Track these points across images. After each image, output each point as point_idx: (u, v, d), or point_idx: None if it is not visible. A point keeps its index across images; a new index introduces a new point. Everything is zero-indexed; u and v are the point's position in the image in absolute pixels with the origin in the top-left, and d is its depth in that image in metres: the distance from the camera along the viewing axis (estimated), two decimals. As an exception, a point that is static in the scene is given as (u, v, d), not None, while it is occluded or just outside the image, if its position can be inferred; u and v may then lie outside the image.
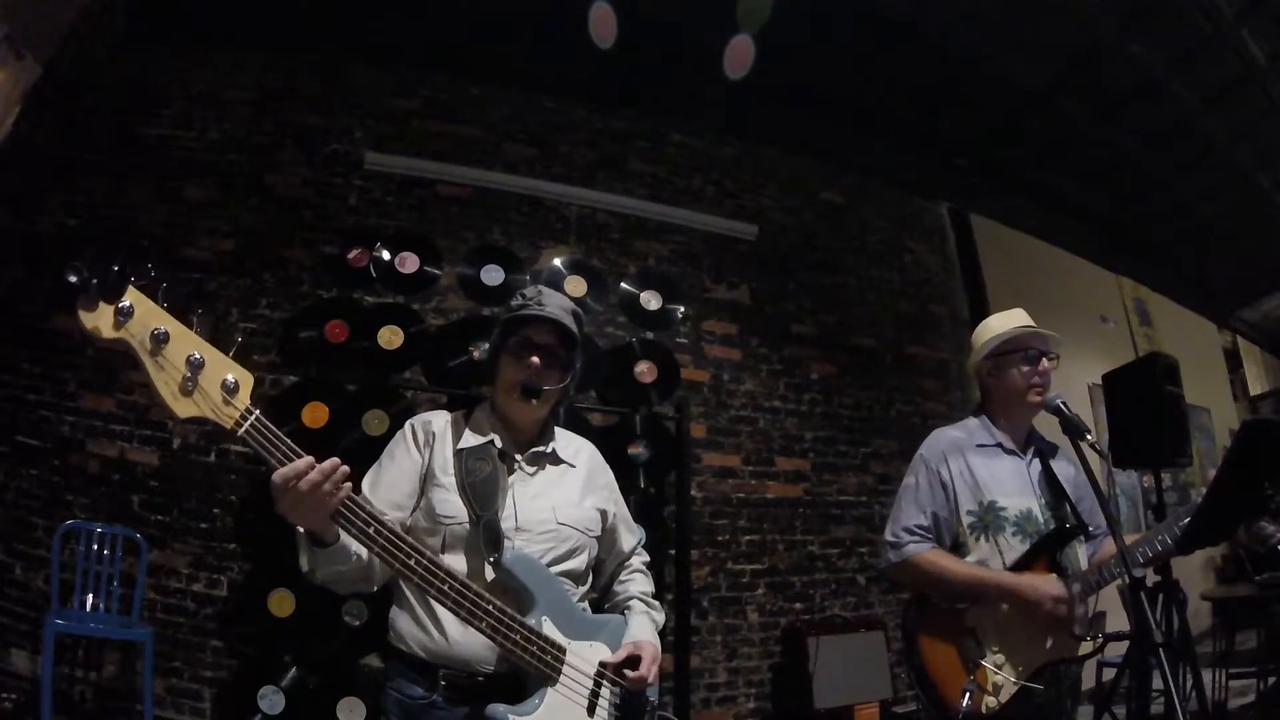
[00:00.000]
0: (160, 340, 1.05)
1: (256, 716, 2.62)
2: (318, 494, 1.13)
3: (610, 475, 1.65)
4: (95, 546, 2.96)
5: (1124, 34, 3.67)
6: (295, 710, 2.64)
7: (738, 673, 3.89)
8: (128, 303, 1.02)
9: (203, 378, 1.07)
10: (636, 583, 1.63)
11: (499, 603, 1.29)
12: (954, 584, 1.80)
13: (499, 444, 1.48)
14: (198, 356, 1.07)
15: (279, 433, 1.13)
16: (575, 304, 1.60)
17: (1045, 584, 1.72)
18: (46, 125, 3.67)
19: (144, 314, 1.04)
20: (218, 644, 3.10)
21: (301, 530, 1.23)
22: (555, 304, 1.51)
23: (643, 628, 1.51)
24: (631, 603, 1.58)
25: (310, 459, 1.14)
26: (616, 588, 1.63)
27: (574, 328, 1.50)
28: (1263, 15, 3.55)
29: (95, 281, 0.99)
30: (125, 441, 3.27)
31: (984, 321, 2.07)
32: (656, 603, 1.62)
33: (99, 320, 1.01)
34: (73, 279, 0.98)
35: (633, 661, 1.41)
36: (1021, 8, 3.57)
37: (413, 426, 1.51)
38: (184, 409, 1.07)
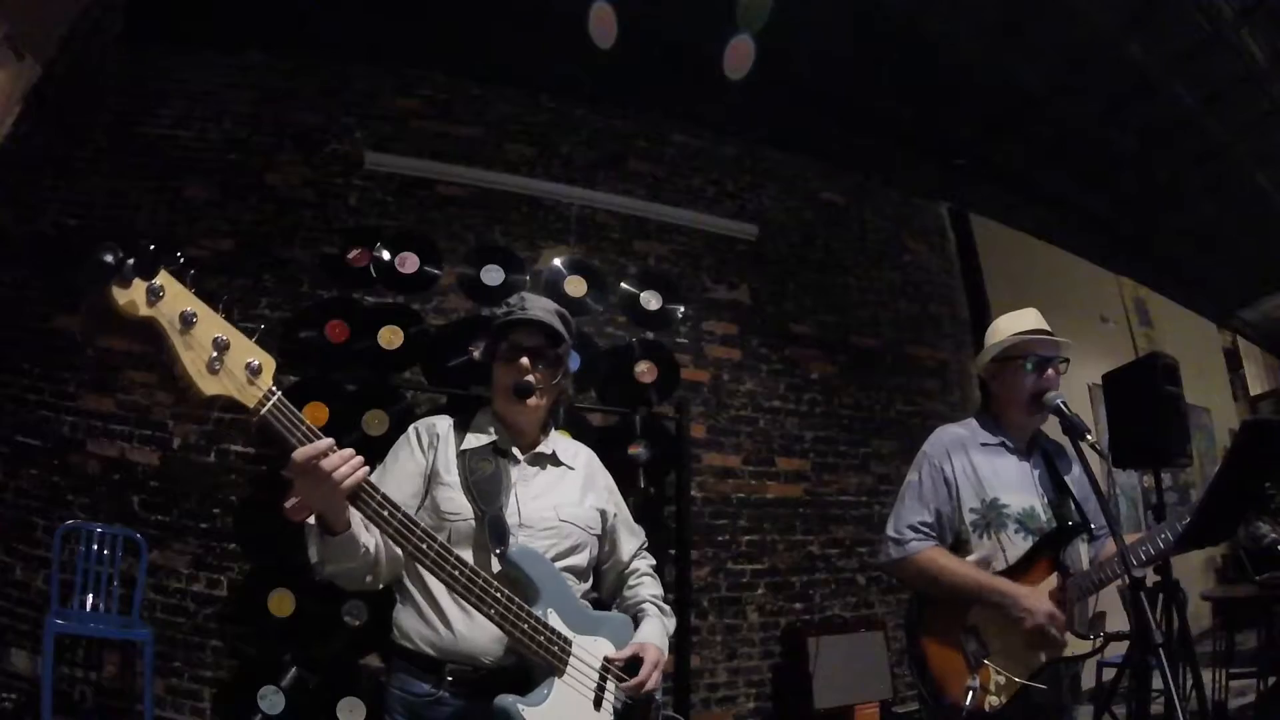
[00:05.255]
0: (189, 321, 1.08)
1: (256, 716, 2.62)
2: (337, 474, 1.15)
3: (609, 478, 1.68)
4: (95, 546, 2.96)
5: (1124, 34, 3.67)
6: (295, 710, 2.64)
7: (738, 673, 3.89)
8: (159, 283, 1.05)
9: (228, 358, 1.11)
10: (647, 586, 1.65)
11: (507, 591, 1.31)
12: (952, 584, 1.80)
13: (500, 445, 1.52)
14: (224, 339, 1.10)
15: (300, 414, 1.16)
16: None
17: (1040, 600, 1.71)
18: (46, 125, 3.67)
19: (174, 296, 1.07)
20: (218, 644, 3.10)
21: (312, 521, 1.25)
22: (538, 306, 1.55)
23: (652, 631, 1.53)
24: (644, 606, 1.60)
25: (331, 440, 1.16)
26: (627, 592, 1.65)
27: (558, 326, 1.53)
28: (1263, 15, 3.55)
29: (131, 261, 1.01)
30: (125, 441, 3.27)
31: (994, 322, 2.04)
32: (668, 607, 1.64)
33: (133, 296, 1.03)
34: (108, 258, 1.00)
35: (636, 662, 1.43)
36: (1021, 8, 3.57)
37: (417, 429, 1.55)
38: (210, 386, 1.09)
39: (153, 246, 1.03)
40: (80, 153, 3.65)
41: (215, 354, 1.09)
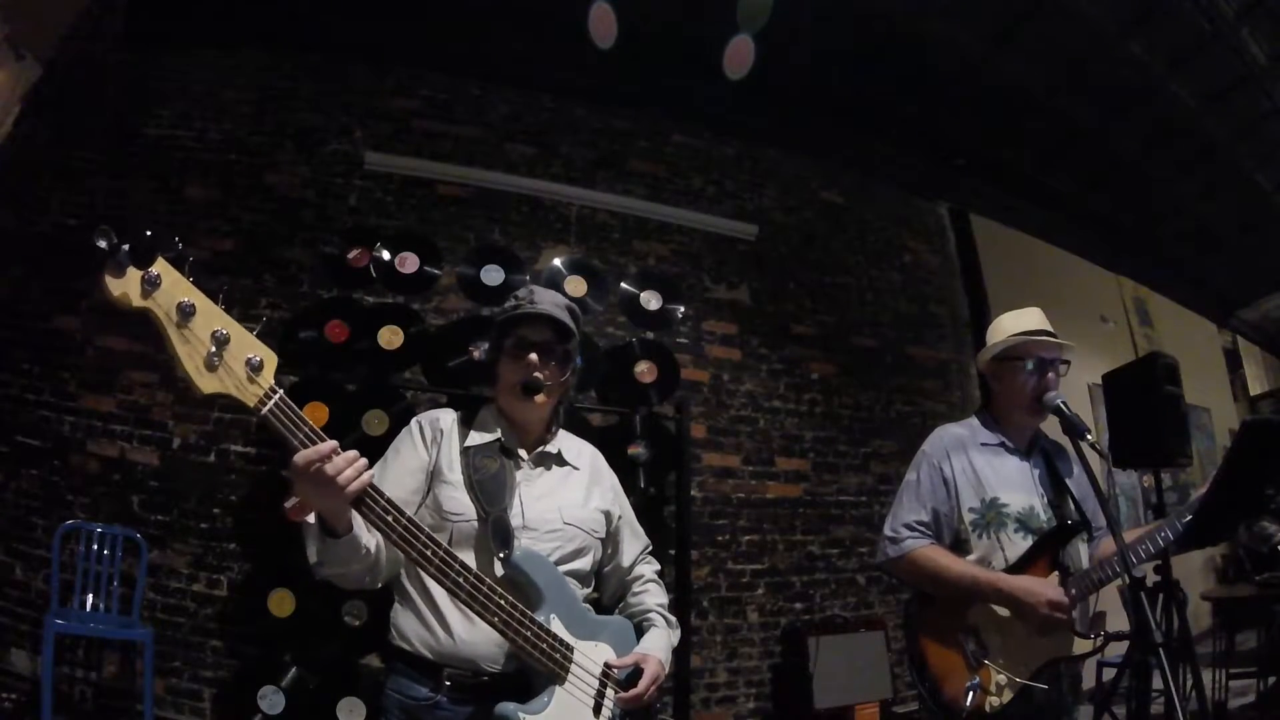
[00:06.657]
0: (187, 313, 1.01)
1: (256, 716, 2.62)
2: (341, 479, 1.11)
3: (614, 478, 1.65)
4: (95, 546, 2.96)
5: (1124, 34, 3.67)
6: (295, 710, 2.64)
7: (738, 673, 3.88)
8: (155, 272, 0.99)
9: (227, 354, 1.04)
10: (652, 594, 1.61)
11: (511, 598, 1.28)
12: (950, 582, 1.80)
13: (506, 443, 1.48)
14: (223, 332, 1.04)
15: (302, 414, 1.11)
16: (574, 302, 1.59)
17: (1042, 587, 1.70)
18: (46, 125, 3.67)
19: (171, 285, 1.00)
20: (218, 644, 3.10)
21: (312, 521, 1.21)
22: (548, 300, 1.50)
23: (656, 643, 1.49)
24: (650, 615, 1.56)
25: (334, 443, 1.11)
26: (631, 599, 1.61)
27: (568, 321, 1.49)
28: (1263, 15, 3.55)
29: (125, 248, 0.95)
30: (125, 441, 3.27)
31: (998, 319, 2.02)
32: (673, 618, 1.60)
33: (127, 286, 0.97)
34: (101, 244, 0.94)
35: (636, 673, 1.40)
36: (1021, 8, 3.57)
37: (420, 424, 1.50)
38: (208, 384, 1.03)
39: (149, 232, 0.97)
40: (80, 153, 3.65)
41: (214, 349, 1.02)
